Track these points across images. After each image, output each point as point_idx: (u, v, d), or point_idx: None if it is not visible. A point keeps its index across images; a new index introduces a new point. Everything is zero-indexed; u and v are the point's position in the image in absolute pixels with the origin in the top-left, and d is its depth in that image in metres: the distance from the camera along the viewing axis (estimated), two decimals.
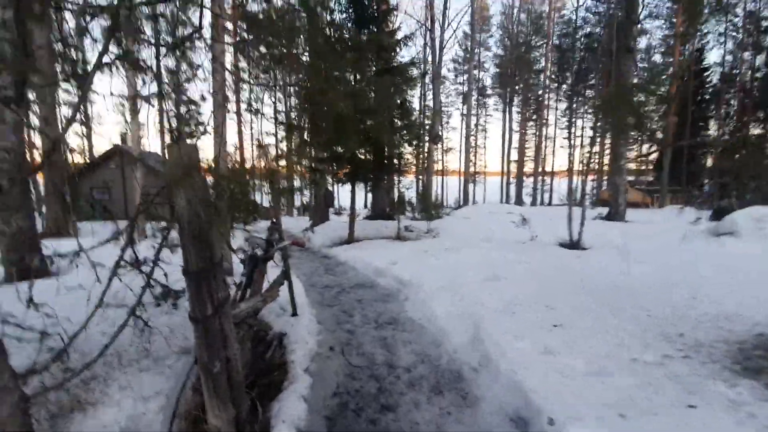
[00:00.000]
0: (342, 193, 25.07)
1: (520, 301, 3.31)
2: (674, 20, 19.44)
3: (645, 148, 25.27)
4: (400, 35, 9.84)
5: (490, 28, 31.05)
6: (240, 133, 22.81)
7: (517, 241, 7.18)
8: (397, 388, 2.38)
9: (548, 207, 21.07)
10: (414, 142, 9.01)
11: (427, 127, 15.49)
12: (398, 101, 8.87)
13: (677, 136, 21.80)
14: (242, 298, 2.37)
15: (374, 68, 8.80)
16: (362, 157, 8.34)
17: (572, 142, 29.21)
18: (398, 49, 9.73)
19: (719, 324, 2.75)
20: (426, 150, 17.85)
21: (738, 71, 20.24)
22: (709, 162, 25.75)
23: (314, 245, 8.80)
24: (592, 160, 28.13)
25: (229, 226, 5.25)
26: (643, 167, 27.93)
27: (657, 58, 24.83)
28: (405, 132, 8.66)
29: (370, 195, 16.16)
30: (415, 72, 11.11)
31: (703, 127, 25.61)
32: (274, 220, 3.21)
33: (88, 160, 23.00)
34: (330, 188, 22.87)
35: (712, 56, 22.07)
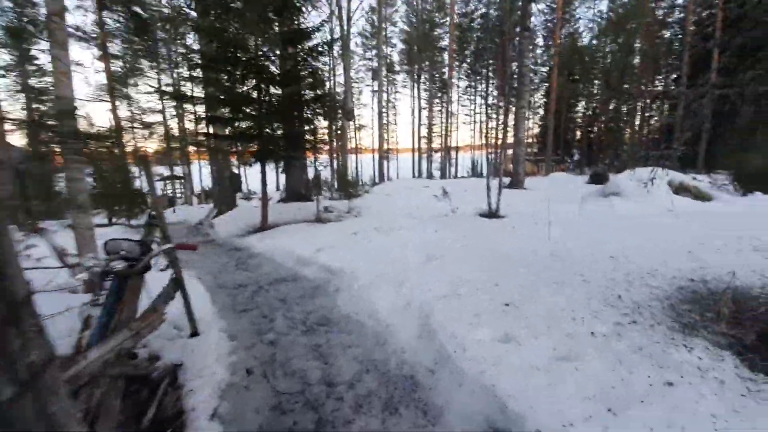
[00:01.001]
0: (250, 176, 22.81)
1: (464, 281, 3.07)
2: (554, 5, 21.60)
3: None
4: None
5: (395, 2, 30.71)
6: (114, 108, 18.56)
7: (440, 214, 7.14)
8: (342, 416, 1.88)
9: (455, 179, 22.34)
10: (329, 116, 8.24)
11: (339, 102, 14.67)
12: (309, 70, 7.96)
13: (556, 114, 25.15)
14: (99, 338, 1.55)
15: (278, 32, 7.64)
16: (272, 132, 7.30)
17: (487, 116, 31.37)
18: (304, 11, 8.67)
19: (645, 281, 2.86)
20: (340, 126, 17.07)
21: (602, 55, 23.67)
22: (578, 135, 30.50)
23: (220, 236, 7.59)
24: (491, 135, 30.77)
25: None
26: (530, 140, 31.68)
27: (540, 41, 27.63)
28: (318, 104, 7.83)
29: (282, 176, 14.81)
30: (323, 38, 10.20)
31: (574, 104, 29.97)
32: (153, 213, 2.31)
33: None
34: (236, 170, 20.50)
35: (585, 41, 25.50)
